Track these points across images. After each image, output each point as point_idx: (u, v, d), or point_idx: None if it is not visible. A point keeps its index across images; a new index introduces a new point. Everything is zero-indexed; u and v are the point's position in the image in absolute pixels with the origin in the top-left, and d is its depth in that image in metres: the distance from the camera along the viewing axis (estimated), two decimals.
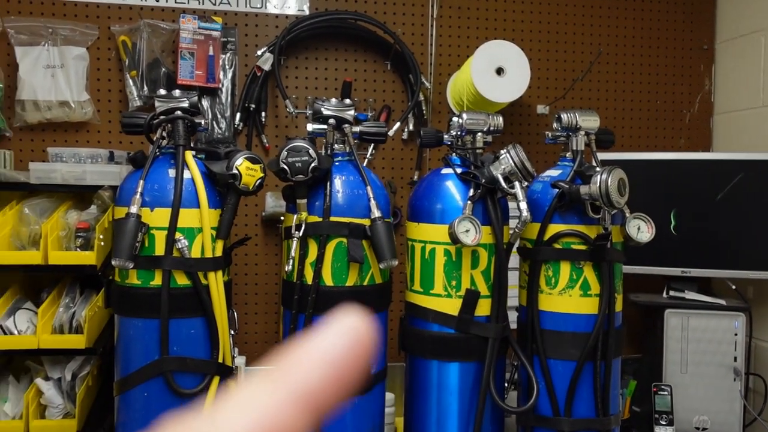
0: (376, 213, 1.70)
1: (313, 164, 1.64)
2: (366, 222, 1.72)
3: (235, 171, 1.65)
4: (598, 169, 1.73)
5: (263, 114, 2.54)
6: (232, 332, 1.82)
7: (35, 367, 2.17)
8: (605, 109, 2.81)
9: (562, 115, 1.85)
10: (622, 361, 2.62)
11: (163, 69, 2.45)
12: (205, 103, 2.52)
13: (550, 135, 1.94)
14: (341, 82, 2.58)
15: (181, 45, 2.42)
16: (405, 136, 2.64)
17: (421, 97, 2.61)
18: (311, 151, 1.64)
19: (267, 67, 2.49)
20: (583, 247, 1.80)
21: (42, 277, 2.28)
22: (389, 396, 2.26)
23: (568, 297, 1.81)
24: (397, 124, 2.51)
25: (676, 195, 2.50)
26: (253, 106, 2.51)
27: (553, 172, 1.89)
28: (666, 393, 2.34)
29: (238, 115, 2.51)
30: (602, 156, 2.58)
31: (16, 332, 2.05)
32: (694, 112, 2.89)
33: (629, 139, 2.84)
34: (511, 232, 1.81)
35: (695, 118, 2.90)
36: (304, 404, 0.24)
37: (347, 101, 1.78)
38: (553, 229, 1.81)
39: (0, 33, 2.40)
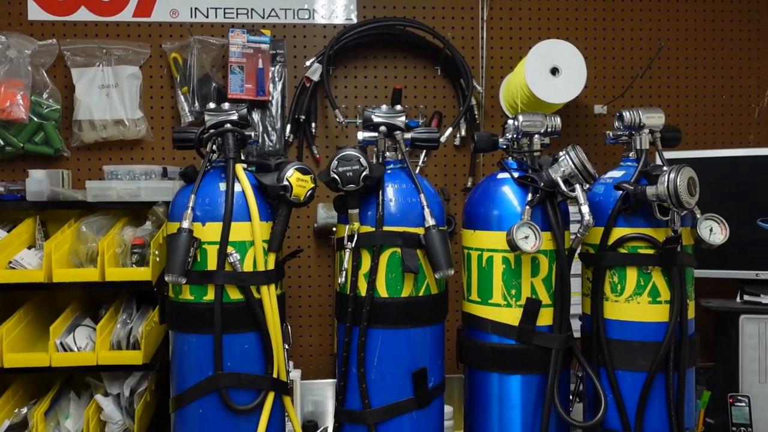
0: (430, 221, 1.65)
1: (364, 173, 1.60)
2: (420, 231, 1.66)
3: (285, 182, 1.62)
4: (665, 168, 1.63)
5: (313, 125, 2.53)
6: (287, 346, 1.78)
7: (95, 383, 2.19)
8: (667, 106, 2.69)
9: (624, 114, 1.76)
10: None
11: (214, 84, 2.46)
12: (256, 116, 2.51)
13: (611, 134, 1.84)
14: (391, 89, 2.54)
15: (231, 59, 2.42)
16: (457, 141, 2.58)
17: (473, 102, 2.55)
18: (362, 159, 1.60)
19: (316, 77, 2.47)
20: (650, 251, 1.70)
21: (100, 294, 2.31)
22: (447, 409, 2.19)
23: (636, 304, 1.71)
24: (449, 130, 2.45)
25: (747, 193, 2.36)
26: (303, 117, 2.49)
27: (616, 173, 1.80)
28: (744, 404, 2.20)
29: (288, 127, 2.49)
30: (666, 155, 2.47)
31: (75, 349, 2.08)
32: (763, 106, 2.74)
33: (694, 136, 2.71)
34: (572, 237, 1.72)
35: (765, 112, 2.74)
36: None
37: (398, 107, 1.73)
38: (618, 233, 1.72)
39: (57, 56, 2.45)
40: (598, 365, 1.76)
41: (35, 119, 2.38)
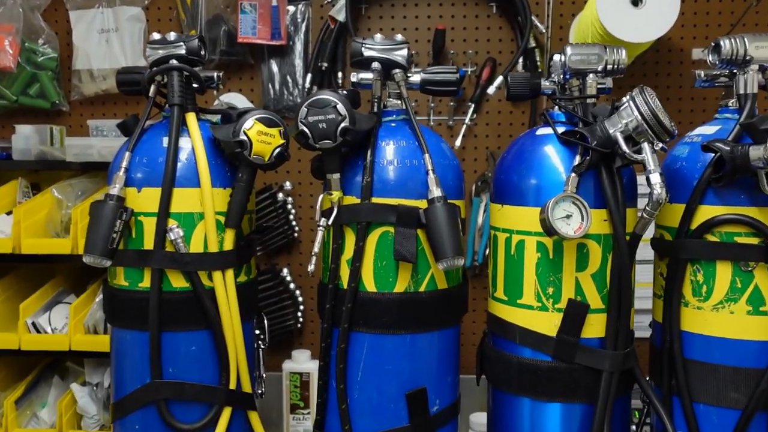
0: (435, 192, 1.21)
1: (342, 125, 1.19)
2: (423, 204, 1.24)
3: (242, 137, 1.23)
4: None
5: (339, 74, 2.12)
6: (262, 346, 1.42)
7: (76, 369, 1.93)
8: None
9: (721, 43, 1.24)
10: None
11: (224, 27, 2.10)
12: (274, 65, 2.14)
13: (702, 75, 1.33)
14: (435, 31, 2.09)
15: None
16: None
17: (532, 44, 2.05)
18: (339, 106, 1.18)
19: (341, 17, 2.07)
20: (753, 241, 1.19)
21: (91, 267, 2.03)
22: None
23: (729, 314, 1.21)
24: (499, 79, 1.98)
25: None
26: (326, 65, 2.09)
27: (708, 129, 1.29)
28: None
29: (308, 77, 2.10)
30: None
31: (49, 330, 1.81)
32: None
33: None
34: (639, 217, 1.24)
35: None
36: None
37: (398, 37, 1.30)
38: (706, 212, 1.22)
39: None
40: (671, 394, 1.28)
41: (28, 68, 2.12)
